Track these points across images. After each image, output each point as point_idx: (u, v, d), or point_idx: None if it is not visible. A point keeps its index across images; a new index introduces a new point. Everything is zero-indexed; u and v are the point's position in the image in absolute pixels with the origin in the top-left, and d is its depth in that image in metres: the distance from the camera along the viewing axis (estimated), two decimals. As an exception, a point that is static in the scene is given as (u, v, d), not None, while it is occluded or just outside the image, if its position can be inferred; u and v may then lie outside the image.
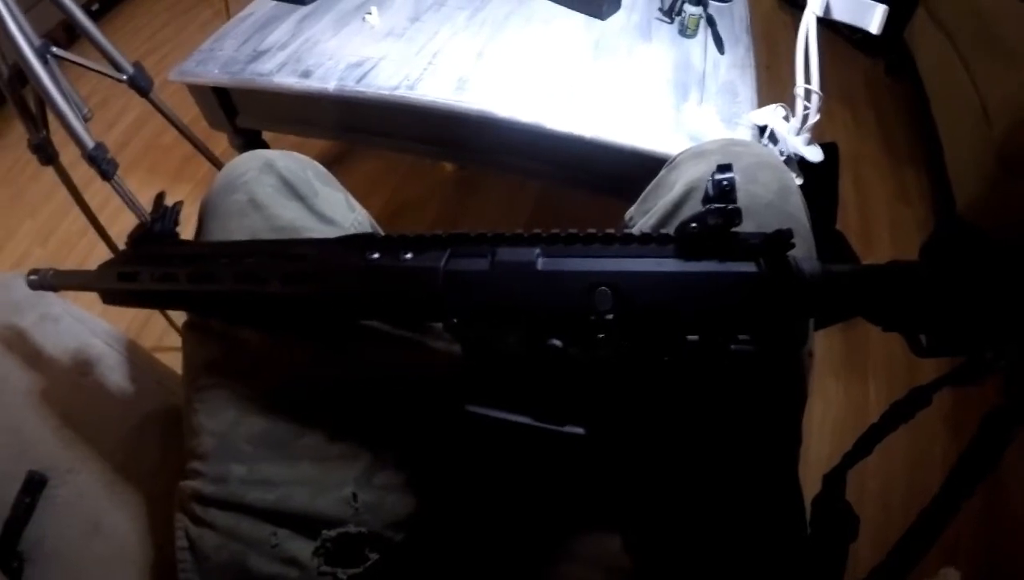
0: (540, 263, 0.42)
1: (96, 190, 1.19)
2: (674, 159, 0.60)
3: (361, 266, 0.46)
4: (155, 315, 1.38)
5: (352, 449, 0.55)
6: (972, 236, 0.38)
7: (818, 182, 1.26)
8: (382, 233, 0.48)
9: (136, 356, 0.91)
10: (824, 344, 1.38)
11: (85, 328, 0.90)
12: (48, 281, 0.68)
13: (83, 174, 1.13)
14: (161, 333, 1.46)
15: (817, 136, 1.02)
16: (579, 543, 0.50)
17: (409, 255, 0.45)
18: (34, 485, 0.75)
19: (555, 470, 0.43)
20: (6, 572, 0.69)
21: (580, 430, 0.41)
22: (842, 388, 1.33)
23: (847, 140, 1.79)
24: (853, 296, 0.40)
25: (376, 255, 0.46)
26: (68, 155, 1.09)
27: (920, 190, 1.71)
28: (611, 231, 0.43)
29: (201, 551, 0.52)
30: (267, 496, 0.52)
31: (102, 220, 1.20)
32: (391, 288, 0.45)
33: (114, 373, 0.87)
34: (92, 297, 0.63)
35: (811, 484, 0.49)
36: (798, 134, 0.96)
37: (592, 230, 0.43)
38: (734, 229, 0.41)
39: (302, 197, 0.61)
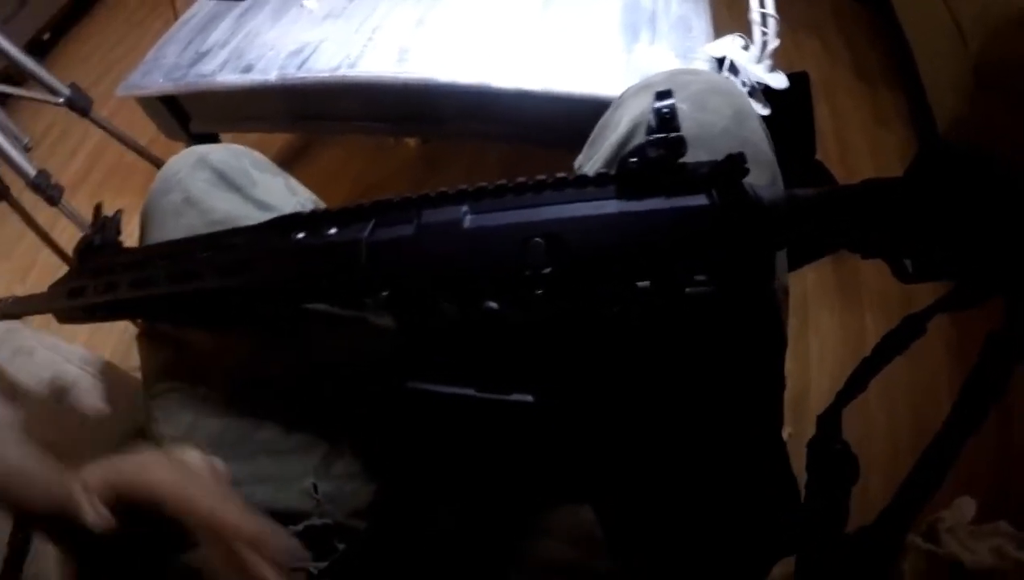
0: (467, 221, 0.39)
1: (67, 224, 1.16)
2: (620, 97, 0.57)
3: (287, 248, 0.44)
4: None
5: (308, 440, 0.53)
6: (957, 155, 0.34)
7: (790, 113, 1.22)
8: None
9: (110, 376, 0.91)
10: (815, 278, 1.35)
11: (58, 356, 0.90)
12: (8, 310, 0.67)
13: (51, 212, 1.10)
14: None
15: (786, 67, 0.97)
16: (550, 517, 0.48)
17: (333, 230, 0.42)
18: (26, 519, 0.74)
19: (509, 442, 0.40)
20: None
21: (528, 397, 0.38)
22: (837, 321, 1.30)
23: (819, 70, 1.74)
24: (822, 222, 0.37)
25: (301, 235, 0.43)
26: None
27: (899, 114, 1.67)
28: (543, 177, 0.39)
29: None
30: None
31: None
32: (316, 267, 0.42)
33: (89, 395, 0.87)
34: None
35: (812, 424, 0.46)
36: (759, 62, 0.92)
37: (522, 179, 0.40)
38: (682, 160, 0.38)
39: (238, 188, 0.59)
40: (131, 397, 0.89)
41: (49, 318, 0.87)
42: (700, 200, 0.37)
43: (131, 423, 0.84)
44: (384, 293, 0.40)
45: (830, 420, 0.44)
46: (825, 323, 1.29)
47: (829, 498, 0.43)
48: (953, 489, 0.87)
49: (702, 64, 0.96)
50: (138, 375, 0.92)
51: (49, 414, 0.84)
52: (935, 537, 0.79)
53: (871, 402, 1.15)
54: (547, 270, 0.37)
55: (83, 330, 1.47)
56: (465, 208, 0.39)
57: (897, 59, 1.72)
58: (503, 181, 0.40)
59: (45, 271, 1.67)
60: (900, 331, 0.39)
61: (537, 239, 0.37)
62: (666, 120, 0.38)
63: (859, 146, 1.61)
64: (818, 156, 1.40)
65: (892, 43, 1.75)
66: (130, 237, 0.62)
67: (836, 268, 1.37)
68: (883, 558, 0.42)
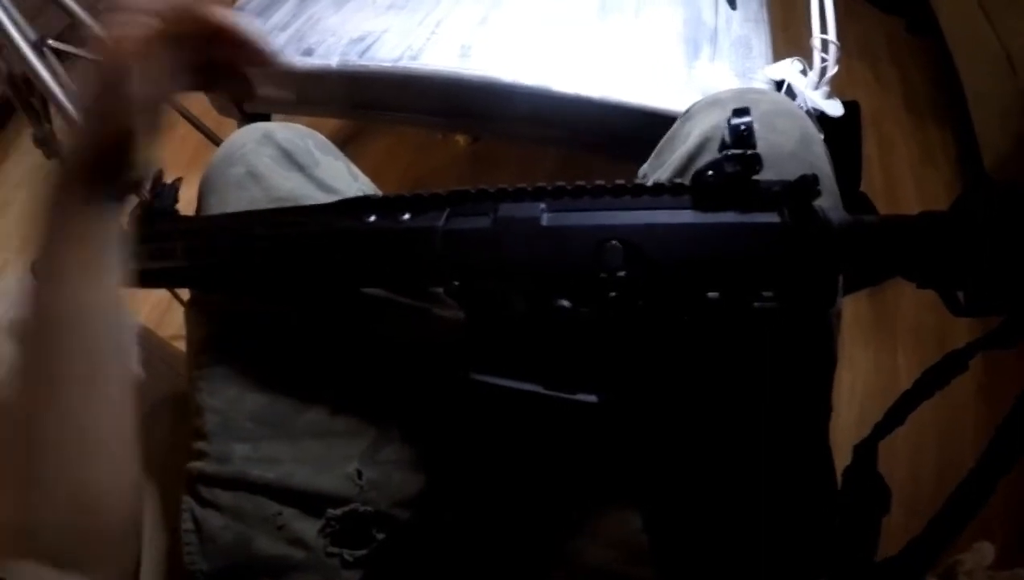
0: (545, 219, 0.39)
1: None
2: (688, 110, 0.57)
3: (358, 230, 0.44)
4: (175, 306, 1.38)
5: (356, 424, 0.53)
6: (1007, 192, 0.35)
7: (840, 142, 1.21)
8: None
9: (147, 342, 0.90)
10: (851, 312, 1.34)
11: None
12: None
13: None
14: (182, 323, 1.45)
15: (837, 95, 0.97)
16: (596, 520, 0.48)
17: (407, 216, 0.43)
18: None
19: (568, 442, 0.41)
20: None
21: (593, 398, 0.39)
22: (871, 357, 1.29)
23: (869, 100, 1.72)
24: (886, 249, 0.37)
25: (373, 218, 0.44)
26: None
27: (946, 150, 1.65)
28: (621, 182, 0.40)
29: (207, 532, 0.51)
30: (269, 474, 0.51)
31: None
32: (388, 251, 0.43)
33: (127, 357, 0.86)
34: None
35: (840, 454, 0.47)
36: (816, 88, 0.92)
37: (601, 182, 0.40)
38: (754, 177, 0.38)
39: (302, 167, 0.60)
40: (169, 364, 0.89)
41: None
42: (772, 218, 0.38)
43: (168, 389, 0.85)
44: (455, 283, 0.41)
45: (867, 451, 0.44)
46: (859, 358, 1.28)
47: (861, 526, 0.44)
48: (973, 534, 0.87)
49: (760, 85, 0.96)
50: (177, 345, 0.94)
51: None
52: (953, 579, 0.79)
53: (897, 438, 1.13)
54: (622, 273, 0.37)
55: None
56: (543, 205, 0.40)
57: (948, 95, 1.70)
58: (582, 182, 0.40)
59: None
60: (941, 367, 0.40)
61: (614, 242, 0.37)
62: (743, 137, 0.38)
63: (904, 180, 1.60)
64: (862, 187, 1.39)
65: (944, 77, 1.73)
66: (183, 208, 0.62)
67: (872, 305, 1.36)
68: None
